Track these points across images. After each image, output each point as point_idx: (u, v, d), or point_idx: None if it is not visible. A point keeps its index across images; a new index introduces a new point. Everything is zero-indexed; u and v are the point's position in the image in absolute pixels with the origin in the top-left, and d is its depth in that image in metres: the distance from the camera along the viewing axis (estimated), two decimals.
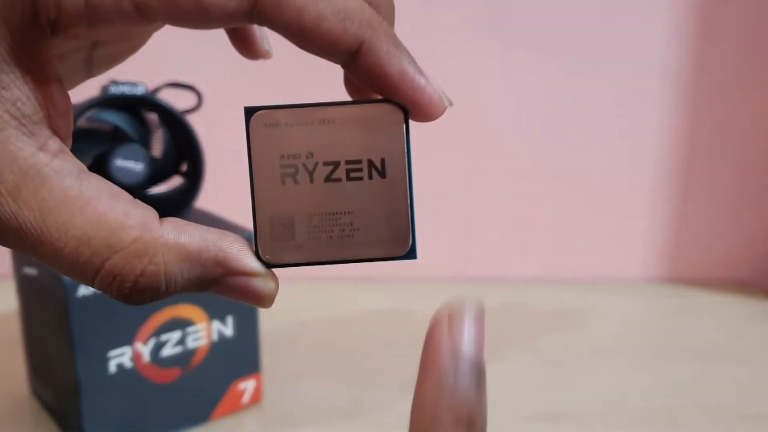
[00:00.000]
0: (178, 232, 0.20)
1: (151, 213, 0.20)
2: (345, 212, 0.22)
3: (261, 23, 0.20)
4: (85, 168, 0.20)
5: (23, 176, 0.19)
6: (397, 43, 0.21)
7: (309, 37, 0.20)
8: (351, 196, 0.21)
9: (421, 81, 0.21)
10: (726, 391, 0.53)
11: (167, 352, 0.45)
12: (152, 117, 0.45)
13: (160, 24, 0.21)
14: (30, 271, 0.45)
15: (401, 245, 0.22)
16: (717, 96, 0.72)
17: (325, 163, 0.21)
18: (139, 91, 0.43)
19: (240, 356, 0.48)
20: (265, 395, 0.50)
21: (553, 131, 0.72)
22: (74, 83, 0.27)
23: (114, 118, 0.44)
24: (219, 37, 0.27)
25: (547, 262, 0.76)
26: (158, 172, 0.45)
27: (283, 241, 0.21)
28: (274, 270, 0.21)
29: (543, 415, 0.50)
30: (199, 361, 0.46)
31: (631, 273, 0.76)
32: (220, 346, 0.46)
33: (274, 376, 0.52)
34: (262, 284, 0.21)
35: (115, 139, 0.44)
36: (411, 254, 0.22)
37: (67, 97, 0.21)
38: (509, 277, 0.75)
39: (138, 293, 0.20)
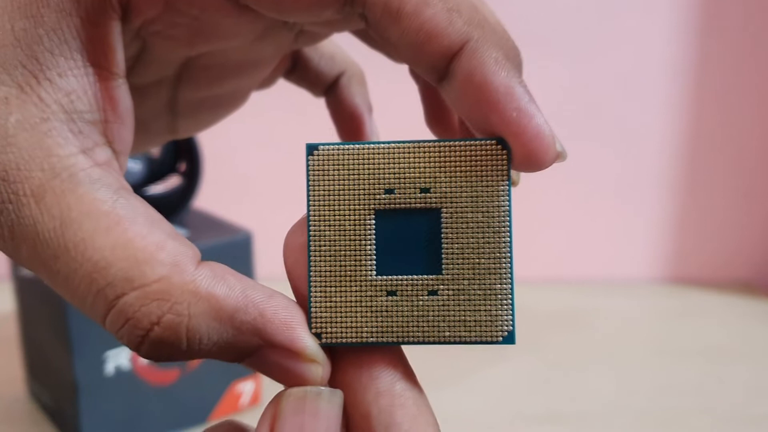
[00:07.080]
0: (214, 281, 0.16)
1: (189, 251, 0.16)
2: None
3: (355, 4, 0.16)
4: (128, 187, 0.17)
5: (53, 176, 0.16)
6: (510, 56, 0.17)
7: (406, 25, 0.16)
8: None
9: (531, 107, 0.17)
10: (729, 391, 0.53)
11: None
12: None
13: (251, 21, 0.17)
14: (28, 271, 0.44)
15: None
16: (720, 95, 0.71)
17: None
18: None
19: None
20: (264, 397, 0.50)
21: (555, 131, 0.72)
22: (156, 134, 0.23)
23: None
24: None
25: (548, 262, 0.75)
26: (156, 171, 0.45)
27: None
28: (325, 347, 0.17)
29: (544, 416, 0.49)
30: (197, 363, 0.46)
31: (633, 273, 0.76)
32: None
33: None
34: (307, 369, 0.16)
35: None
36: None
37: (130, 104, 0.17)
38: None
39: (152, 346, 0.16)
